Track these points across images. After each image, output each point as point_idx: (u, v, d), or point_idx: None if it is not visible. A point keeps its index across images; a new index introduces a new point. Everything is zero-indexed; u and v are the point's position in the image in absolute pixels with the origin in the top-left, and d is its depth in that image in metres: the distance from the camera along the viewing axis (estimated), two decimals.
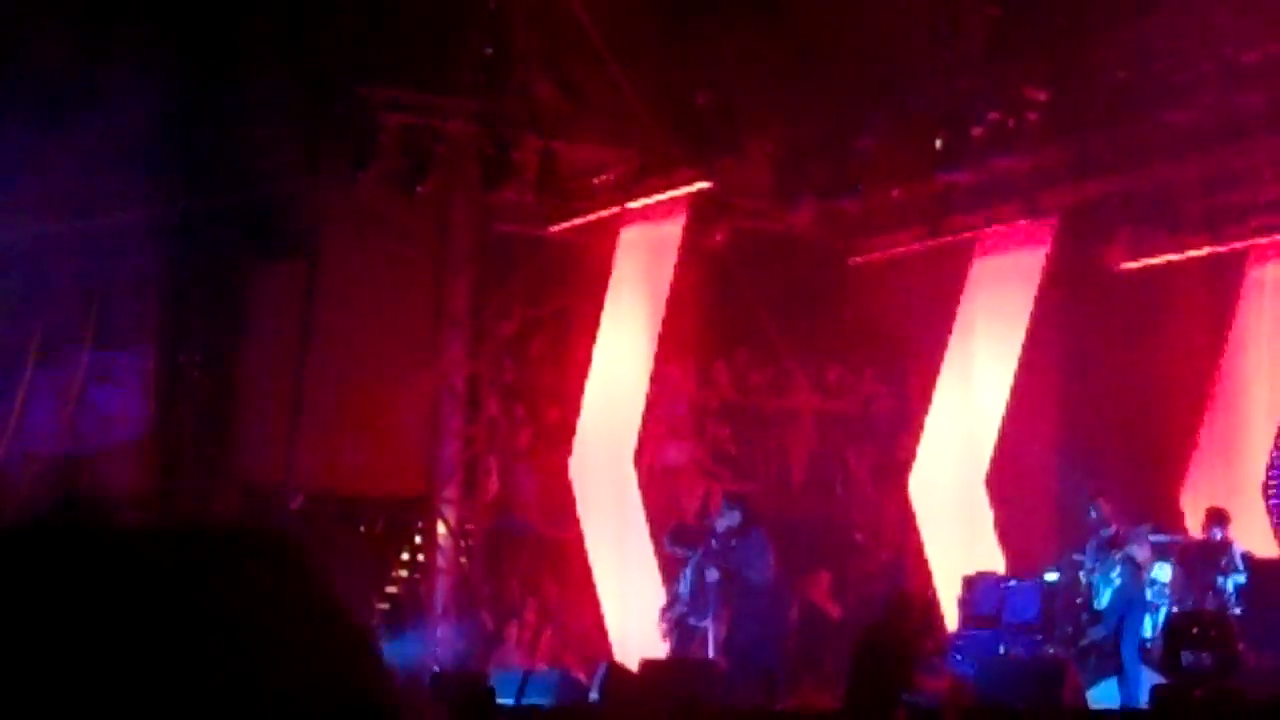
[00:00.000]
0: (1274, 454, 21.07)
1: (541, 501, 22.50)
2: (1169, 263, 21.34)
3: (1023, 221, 21.52)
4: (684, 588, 19.24)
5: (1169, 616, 17.74)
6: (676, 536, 20.07)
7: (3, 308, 19.86)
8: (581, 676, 18.61)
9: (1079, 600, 18.97)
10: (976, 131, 19.72)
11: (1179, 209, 21.04)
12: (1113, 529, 18.48)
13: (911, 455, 22.30)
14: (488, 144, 21.06)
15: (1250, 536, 19.37)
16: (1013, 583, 19.99)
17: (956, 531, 21.68)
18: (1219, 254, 21.13)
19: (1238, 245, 21.13)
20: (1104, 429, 21.82)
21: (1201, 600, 18.06)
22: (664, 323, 21.75)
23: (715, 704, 16.68)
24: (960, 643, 19.11)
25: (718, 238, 22.21)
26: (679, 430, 22.97)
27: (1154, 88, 18.62)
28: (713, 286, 22.48)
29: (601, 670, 17.73)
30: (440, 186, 21.54)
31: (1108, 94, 18.97)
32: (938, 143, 20.13)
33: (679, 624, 19.24)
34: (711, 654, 18.72)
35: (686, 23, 20.13)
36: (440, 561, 22.08)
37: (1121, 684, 17.49)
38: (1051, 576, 19.60)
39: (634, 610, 20.91)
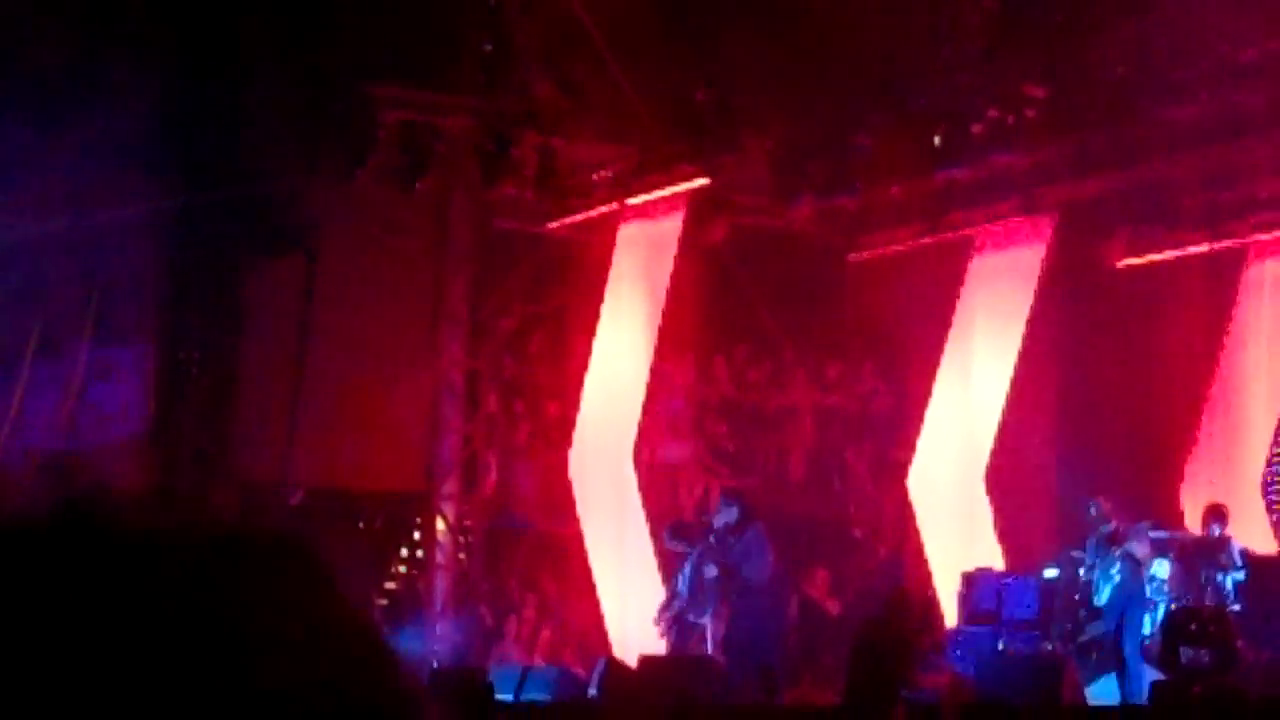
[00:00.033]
0: (1273, 451, 21.07)
1: (540, 498, 22.51)
2: (1168, 259, 21.35)
3: (1022, 218, 21.52)
4: (682, 584, 19.24)
5: (1168, 613, 17.73)
6: (675, 533, 20.06)
7: (3, 304, 19.86)
8: (580, 672, 18.61)
9: (1078, 597, 18.97)
10: (976, 128, 19.73)
11: (1178, 206, 21.05)
12: (1112, 526, 18.48)
13: (910, 452, 22.30)
14: (487, 141, 21.07)
15: (1249, 533, 19.37)
16: (1011, 579, 19.98)
17: (955, 528, 21.69)
18: (1218, 251, 21.12)
19: (1237, 242, 21.13)
20: (1103, 426, 21.82)
21: (1200, 597, 18.06)
22: (663, 319, 21.76)
23: (714, 700, 16.69)
24: (959, 639, 19.12)
25: (717, 234, 22.20)
26: (678, 427, 22.97)
27: (1153, 85, 18.62)
28: (712, 283, 22.48)
29: (600, 666, 17.72)
30: (439, 183, 21.54)
31: (1107, 91, 18.96)
32: (937, 140, 20.14)
33: (678, 620, 19.24)
34: (710, 650, 18.72)
35: (685, 20, 20.14)
36: (439, 558, 22.09)
37: (1124, 680, 17.48)
38: (1050, 573, 19.60)
39: (633, 606, 20.91)
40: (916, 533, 21.96)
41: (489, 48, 20.91)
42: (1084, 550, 18.89)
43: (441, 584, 21.98)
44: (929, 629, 15.16)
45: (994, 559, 20.94)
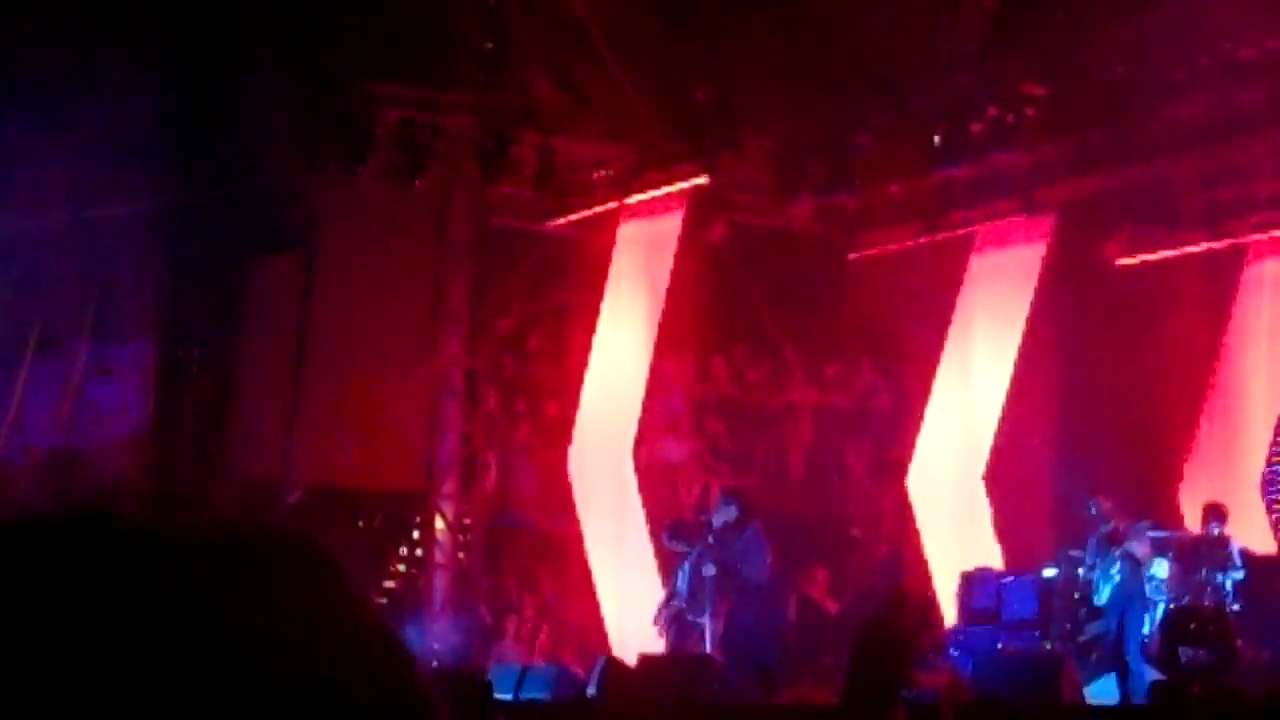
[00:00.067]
0: (1272, 450, 21.06)
1: (540, 496, 22.51)
2: (1167, 259, 21.34)
3: (1021, 217, 21.52)
4: (681, 583, 19.24)
5: (1167, 613, 17.74)
6: (674, 532, 20.06)
7: (2, 301, 19.87)
8: (579, 671, 18.62)
9: (1077, 596, 18.98)
10: (975, 127, 19.74)
11: (1177, 205, 21.04)
12: (1112, 525, 18.48)
13: (909, 451, 22.31)
14: (486, 139, 21.08)
15: (1248, 533, 19.37)
16: (1010, 579, 19.99)
17: (954, 527, 21.69)
18: (1217, 250, 21.11)
19: (1236, 241, 21.12)
20: (1102, 425, 21.81)
21: (1199, 596, 18.06)
22: (662, 318, 21.76)
23: (712, 699, 16.69)
24: (958, 638, 19.12)
25: (716, 233, 22.21)
26: (677, 425, 22.97)
27: (1152, 83, 18.63)
28: (711, 282, 22.47)
29: (599, 665, 17.73)
30: (439, 181, 21.55)
31: (1106, 90, 18.98)
32: (936, 138, 20.15)
33: (676, 619, 19.23)
34: (709, 649, 18.72)
35: (685, 19, 20.15)
36: (438, 556, 22.09)
37: (1126, 680, 17.47)
38: (1049, 572, 19.61)
39: (632, 605, 20.91)
40: (915, 532, 21.96)
41: (489, 46, 20.92)
42: (1084, 550, 18.90)
43: (441, 583, 21.98)
44: (928, 628, 15.14)
45: (993, 558, 20.95)
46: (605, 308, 22.17)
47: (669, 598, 19.54)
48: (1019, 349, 21.53)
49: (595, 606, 21.55)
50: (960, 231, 22.15)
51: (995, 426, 21.60)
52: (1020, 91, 19.35)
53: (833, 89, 20.17)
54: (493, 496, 22.54)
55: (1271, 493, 20.87)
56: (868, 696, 13.49)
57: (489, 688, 13.95)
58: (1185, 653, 16.27)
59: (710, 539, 19.07)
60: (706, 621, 18.88)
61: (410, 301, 22.15)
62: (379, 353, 21.63)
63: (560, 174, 21.67)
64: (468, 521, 22.52)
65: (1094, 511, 18.79)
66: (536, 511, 22.49)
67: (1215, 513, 18.64)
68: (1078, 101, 19.19)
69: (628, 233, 22.19)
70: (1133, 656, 17.55)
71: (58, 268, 19.94)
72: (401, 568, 22.44)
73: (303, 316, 21.36)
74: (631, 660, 18.24)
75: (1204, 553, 18.37)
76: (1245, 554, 18.52)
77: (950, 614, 20.07)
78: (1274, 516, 20.69)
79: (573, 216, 22.41)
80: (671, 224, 21.86)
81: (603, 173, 21.97)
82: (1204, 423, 21.42)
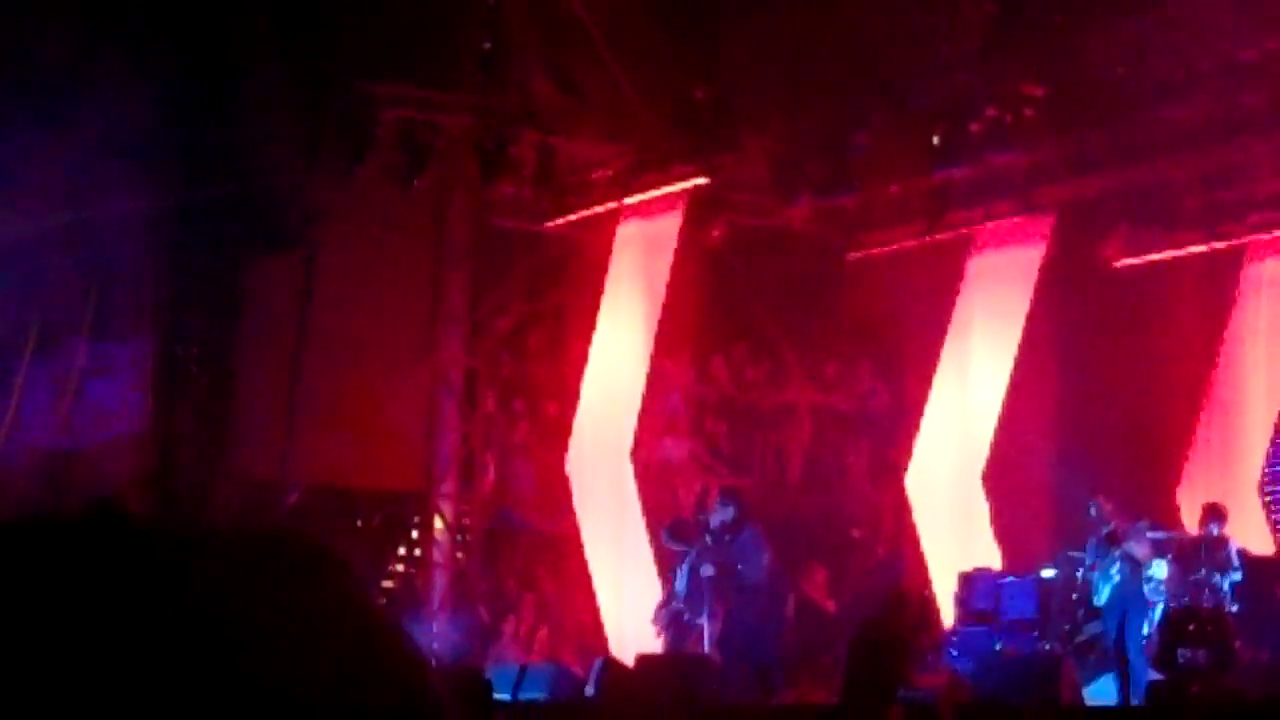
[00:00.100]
0: (1271, 451, 21.08)
1: (538, 497, 22.51)
2: (1166, 259, 21.35)
3: (1020, 218, 21.53)
4: (680, 583, 19.24)
5: (1165, 613, 17.75)
6: (673, 532, 20.06)
7: (1, 300, 19.86)
8: (578, 671, 18.62)
9: (1075, 597, 18.99)
10: (974, 128, 19.74)
11: (1176, 206, 21.05)
12: (1112, 526, 18.48)
13: (908, 451, 22.31)
14: (485, 139, 21.08)
15: (1246, 534, 19.38)
16: (1009, 579, 19.99)
17: (953, 527, 21.69)
18: (1216, 251, 21.12)
19: (1235, 242, 21.13)
20: (1101, 425, 21.82)
21: (1198, 597, 18.06)
22: (661, 318, 21.76)
23: (711, 699, 16.69)
24: (956, 639, 19.13)
25: (715, 233, 22.21)
26: (676, 425, 22.97)
27: (1151, 84, 18.63)
28: (710, 282, 22.47)
29: (598, 665, 17.74)
30: (438, 181, 21.55)
31: (1105, 90, 18.98)
32: (935, 139, 20.15)
33: (675, 619, 19.24)
34: (707, 649, 18.73)
35: (684, 19, 20.14)
36: (437, 556, 22.08)
37: (1128, 680, 17.45)
38: (1048, 573, 19.62)
39: (630, 605, 20.92)
40: (914, 532, 21.97)
41: (488, 46, 20.90)
42: (1083, 550, 18.90)
43: (439, 583, 21.98)
44: (926, 628, 15.17)
45: (992, 559, 20.95)
46: (604, 308, 22.16)
47: (667, 598, 19.55)
48: (1018, 349, 21.54)
49: (594, 606, 21.55)
50: (959, 232, 22.16)
51: (994, 427, 21.61)
52: (1019, 92, 19.35)
53: (832, 89, 20.17)
54: (491, 496, 22.54)
55: (1270, 493, 20.88)
56: (866, 696, 13.50)
57: (489, 687, 13.94)
58: (1184, 654, 16.28)
59: (708, 539, 19.08)
60: (705, 622, 18.88)
61: (409, 301, 22.15)
62: (378, 352, 21.63)
63: (559, 174, 21.67)
64: (466, 521, 22.52)
65: (1094, 512, 18.80)
66: (535, 511, 22.50)
67: (1214, 513, 18.64)
68: (1077, 102, 19.20)
69: (627, 233, 22.19)
70: (1134, 657, 17.54)
71: (57, 267, 19.93)
72: (400, 567, 22.44)
73: (302, 316, 21.36)
74: (630, 660, 18.25)
75: (1203, 553, 18.37)
76: (1244, 555, 18.53)
77: (949, 614, 20.08)
78: (1272, 517, 20.71)
79: (572, 216, 22.41)
80: (671, 224, 21.86)
81: (602, 173, 21.97)
82: (1202, 423, 21.42)
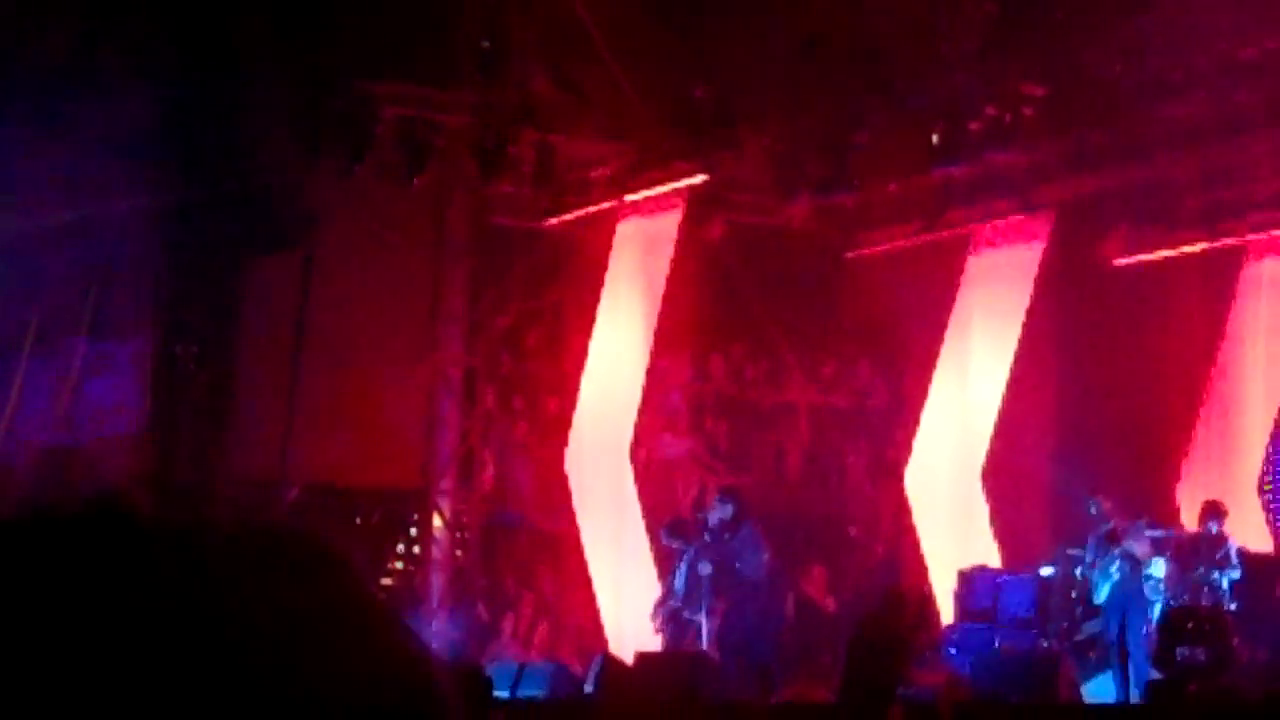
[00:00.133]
0: (1270, 449, 21.09)
1: (537, 494, 22.51)
2: (1165, 258, 21.36)
3: (1019, 216, 21.53)
4: (678, 581, 19.25)
5: (1164, 612, 17.76)
6: (671, 530, 20.07)
7: (0, 298, 19.86)
8: (577, 669, 18.62)
9: (1074, 595, 19.00)
10: (973, 126, 19.74)
11: (1176, 205, 21.06)
12: (1111, 524, 18.49)
13: (907, 450, 22.32)
14: (485, 137, 21.08)
15: (1245, 532, 19.38)
16: (1008, 577, 20.01)
17: (952, 526, 21.70)
18: (1215, 250, 21.13)
19: (1234, 241, 21.14)
20: (1100, 424, 21.83)
21: (1196, 595, 18.07)
22: (660, 316, 21.76)
23: (709, 697, 16.70)
24: (955, 637, 19.14)
25: (714, 232, 22.21)
26: (675, 423, 22.98)
27: (1151, 83, 18.63)
28: (709, 280, 22.48)
29: (596, 663, 17.74)
30: (437, 179, 21.54)
31: (1104, 90, 18.98)
32: (934, 138, 20.14)
33: (673, 617, 19.25)
34: (705, 647, 18.73)
35: (684, 17, 20.14)
36: (436, 554, 22.09)
37: (1132, 679, 17.45)
38: (1046, 571, 19.63)
39: (629, 603, 20.92)
40: (913, 530, 21.97)
41: (487, 44, 20.91)
42: (1083, 549, 18.91)
43: (438, 580, 21.98)
44: (925, 626, 15.19)
45: (990, 557, 20.96)
46: (603, 306, 22.17)
47: (666, 595, 19.55)
48: (1017, 348, 21.54)
49: (592, 604, 21.55)
50: (958, 231, 22.16)
51: (993, 425, 21.61)
52: (1019, 91, 19.35)
53: (831, 88, 20.17)
54: (490, 494, 22.55)
55: (1268, 492, 20.89)
56: (865, 695, 13.50)
57: (489, 684, 13.95)
58: (1182, 652, 16.29)
59: (706, 537, 19.09)
60: (703, 619, 18.89)
61: (408, 299, 22.15)
62: (377, 350, 21.64)
63: (559, 172, 21.67)
64: (465, 519, 22.52)
65: (1094, 511, 18.80)
66: (534, 509, 22.50)
67: (1213, 511, 18.64)
68: (1076, 101, 19.20)
69: (626, 231, 22.19)
70: (1136, 656, 17.54)
71: (56, 265, 19.93)
72: (399, 565, 22.44)
73: (301, 314, 21.36)
74: (629, 658, 18.25)
75: (1201, 551, 18.39)
76: (1242, 553, 18.53)
77: (947, 612, 20.09)
78: (1270, 515, 20.72)
79: (571, 215, 22.41)
80: (670, 222, 21.86)
81: (601, 171, 21.97)
82: (1201, 422, 21.44)
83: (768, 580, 19.29)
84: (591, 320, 22.19)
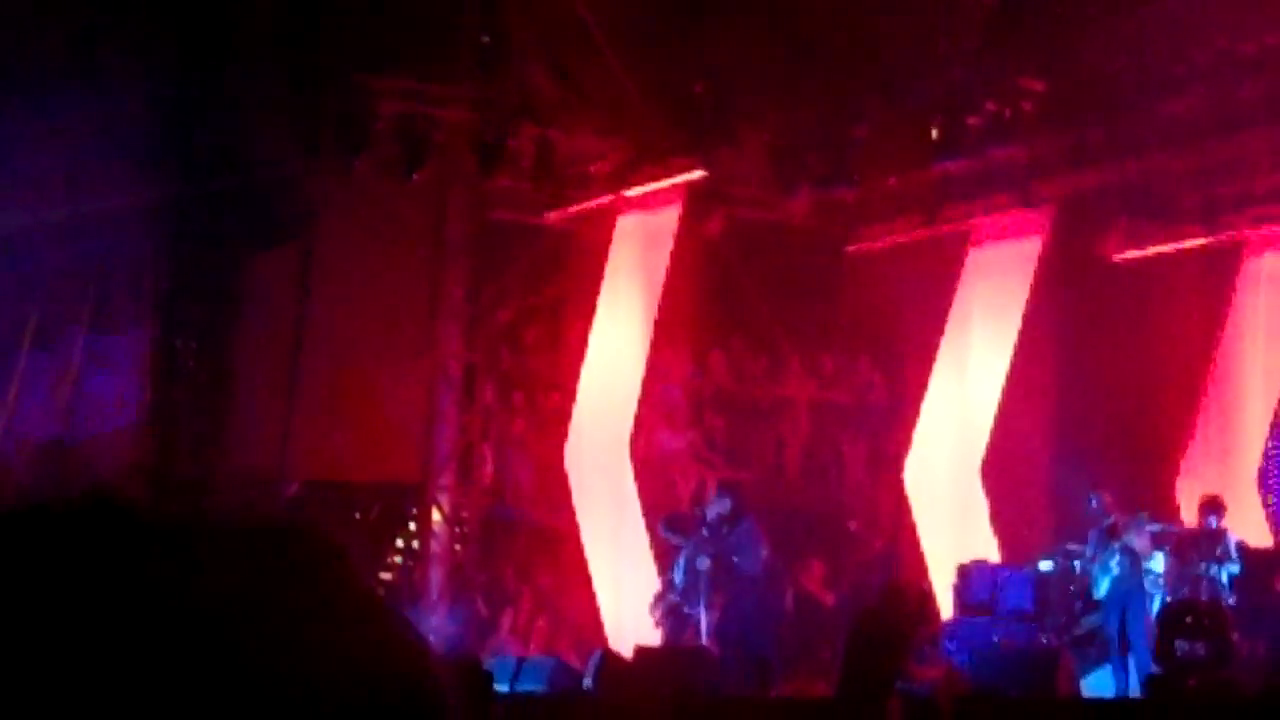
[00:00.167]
0: (1269, 444, 21.09)
1: (537, 489, 22.51)
2: (1165, 253, 21.36)
3: (1018, 211, 21.52)
4: (677, 576, 19.26)
5: (1163, 606, 17.76)
6: (670, 524, 20.08)
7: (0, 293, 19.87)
8: (576, 663, 18.62)
9: (1073, 589, 19.00)
10: (972, 121, 19.74)
11: (1175, 200, 21.06)
12: (1112, 519, 18.49)
13: (906, 444, 22.31)
14: (484, 132, 21.08)
15: (1244, 526, 19.39)
16: (1007, 571, 20.00)
17: (951, 520, 21.70)
18: (1215, 245, 21.14)
19: (1234, 236, 21.14)
20: (1099, 419, 21.83)
21: (1196, 590, 18.07)
22: (660, 311, 21.76)
23: (708, 691, 16.70)
24: (954, 631, 19.13)
25: (714, 227, 22.20)
26: (674, 418, 22.97)
27: (1150, 78, 18.63)
28: (708, 275, 22.46)
29: (596, 657, 17.74)
30: (436, 174, 21.53)
31: (1104, 84, 18.98)
32: (934, 132, 20.14)
33: (672, 612, 19.25)
34: (704, 641, 18.74)
35: (683, 12, 20.13)
36: (435, 549, 22.08)
37: (1134, 673, 17.45)
38: (1046, 565, 19.62)
39: (628, 598, 20.92)
40: (912, 525, 21.97)
41: (486, 39, 20.91)
42: (1082, 543, 18.91)
43: (437, 575, 21.97)
44: (924, 621, 15.16)
45: (989, 551, 20.96)
46: (603, 301, 22.16)
47: (665, 590, 19.56)
48: (1016, 343, 21.54)
49: (592, 599, 21.55)
50: (958, 225, 22.16)
51: (992, 420, 21.61)
52: (1018, 86, 19.35)
53: (830, 83, 20.17)
54: (490, 489, 22.54)
55: (1268, 486, 20.89)
56: (864, 689, 13.50)
57: (489, 678, 13.95)
58: (1181, 646, 16.29)
59: (705, 532, 19.09)
60: (702, 614, 18.90)
61: (408, 294, 22.14)
62: (376, 346, 21.63)
63: (558, 167, 21.65)
64: (464, 514, 22.51)
65: (1095, 505, 18.80)
66: (533, 504, 22.50)
67: (1212, 506, 18.65)
68: (1075, 96, 19.20)
69: (625, 226, 22.18)
70: (1138, 650, 17.53)
71: (55, 260, 19.94)
72: (398, 560, 22.43)
73: (300, 309, 21.36)
74: (628, 652, 18.25)
75: (1201, 546, 18.39)
76: (1242, 547, 18.53)
77: (946, 607, 20.08)
78: (1270, 510, 20.72)
79: (570, 210, 22.40)
80: (669, 217, 21.86)
81: (600, 166, 21.96)
82: (1201, 416, 21.44)
83: (766, 575, 19.30)
84: (591, 315, 22.18)
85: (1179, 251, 21.26)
